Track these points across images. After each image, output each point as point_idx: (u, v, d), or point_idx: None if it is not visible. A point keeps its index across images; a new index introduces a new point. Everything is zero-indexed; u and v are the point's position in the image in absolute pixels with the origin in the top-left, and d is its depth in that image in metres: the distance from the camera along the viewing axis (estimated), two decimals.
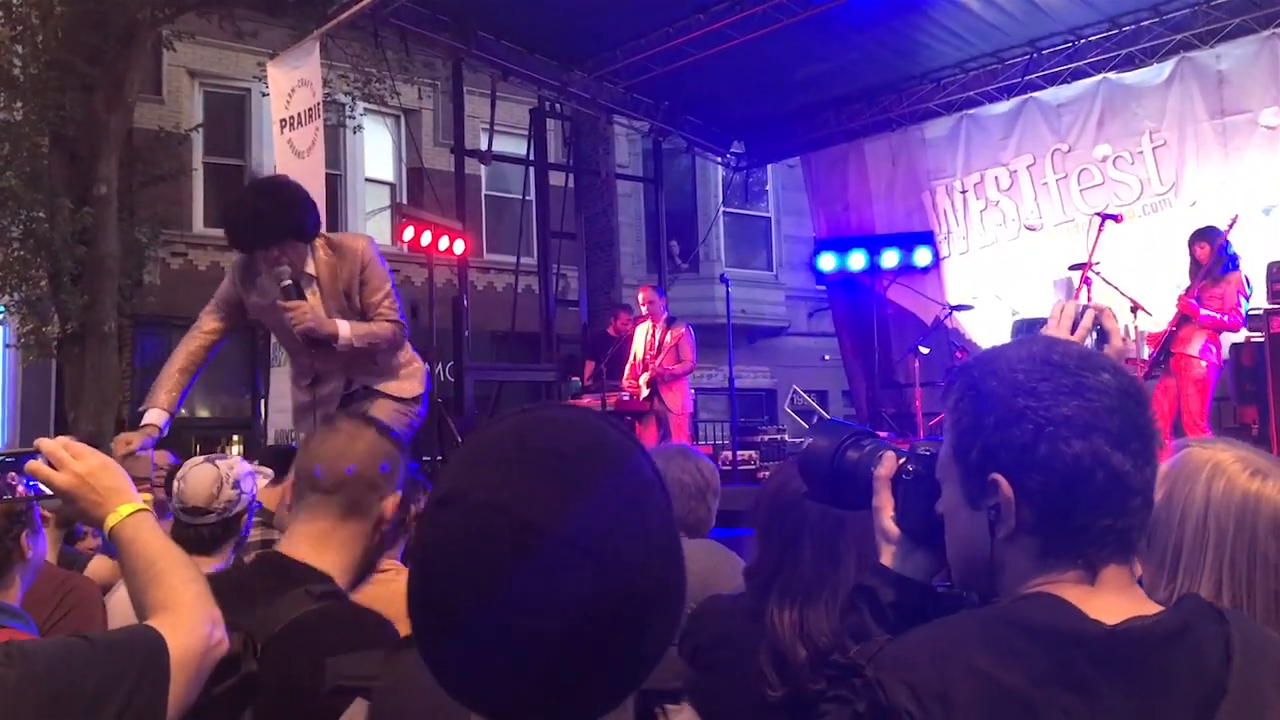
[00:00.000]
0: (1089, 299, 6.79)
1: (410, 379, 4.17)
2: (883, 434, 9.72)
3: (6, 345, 11.46)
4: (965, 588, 1.26)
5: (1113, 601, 1.11)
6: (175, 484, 2.88)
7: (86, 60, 10.00)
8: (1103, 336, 1.47)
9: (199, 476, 2.79)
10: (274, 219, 3.74)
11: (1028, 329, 1.57)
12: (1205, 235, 6.82)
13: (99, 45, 10.07)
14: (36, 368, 11.25)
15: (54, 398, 11.55)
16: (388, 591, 2.15)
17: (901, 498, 1.32)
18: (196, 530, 2.76)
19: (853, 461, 1.40)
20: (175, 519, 2.84)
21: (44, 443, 1.56)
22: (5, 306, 10.56)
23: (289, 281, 3.78)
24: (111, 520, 1.52)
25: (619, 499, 0.82)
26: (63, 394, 10.87)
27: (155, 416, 3.78)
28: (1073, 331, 1.46)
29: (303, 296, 3.83)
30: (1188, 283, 6.85)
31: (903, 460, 1.34)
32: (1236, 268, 6.66)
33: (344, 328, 3.86)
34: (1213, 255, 6.64)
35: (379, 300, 3.95)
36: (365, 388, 4.09)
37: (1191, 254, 6.84)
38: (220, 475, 2.80)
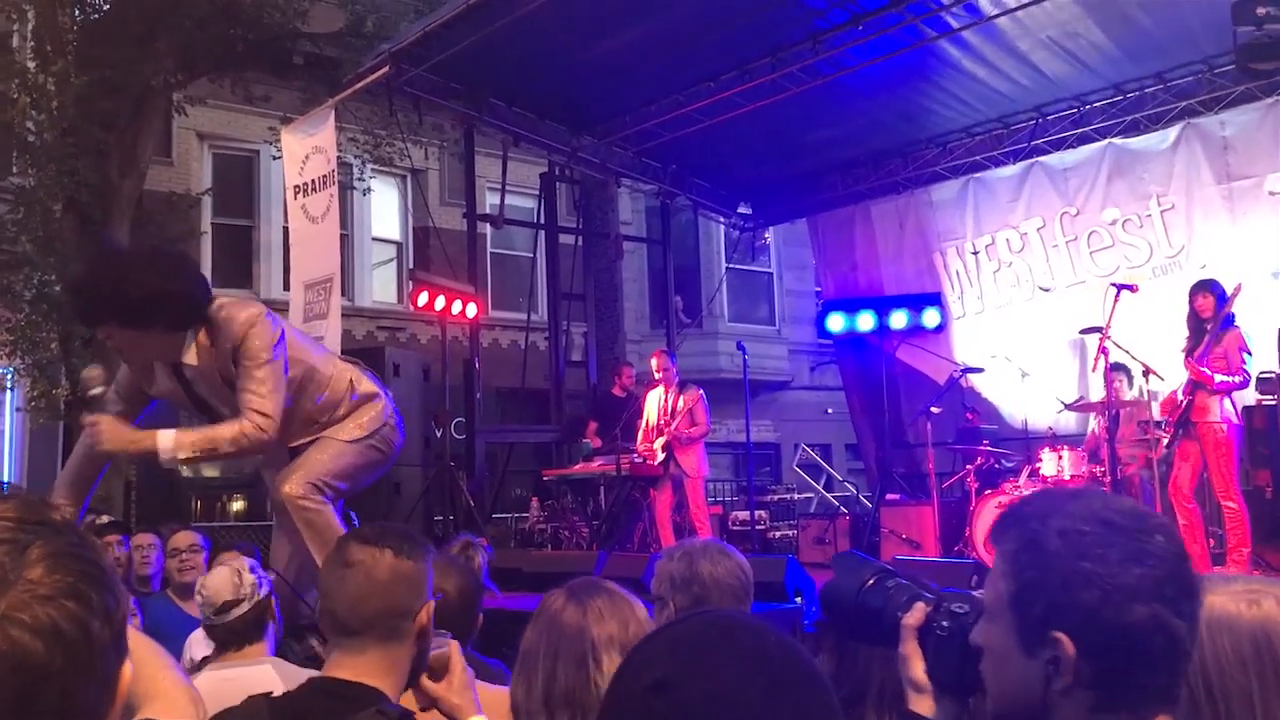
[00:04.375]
0: (1107, 366, 6.82)
1: (360, 418, 3.68)
2: (894, 495, 9.65)
3: (16, 409, 11.43)
4: None
5: None
6: (197, 595, 3.01)
7: (101, 126, 10.09)
8: None
9: (216, 578, 2.96)
10: (98, 297, 3.12)
11: None
12: (1207, 287, 6.77)
13: (113, 111, 10.17)
14: (44, 430, 11.22)
15: (61, 460, 11.50)
16: None
17: (933, 652, 1.36)
18: (240, 621, 2.89)
19: (878, 602, 1.45)
20: (207, 625, 2.96)
21: None
22: (16, 370, 10.54)
23: (95, 391, 3.32)
24: None
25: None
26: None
27: None
28: None
29: (100, 409, 3.34)
30: (1187, 335, 6.82)
31: (930, 607, 1.38)
32: (1234, 324, 6.67)
33: (165, 441, 3.24)
34: (1217, 308, 6.62)
35: (245, 386, 3.27)
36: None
37: (1192, 306, 6.78)
38: (234, 568, 2.97)
